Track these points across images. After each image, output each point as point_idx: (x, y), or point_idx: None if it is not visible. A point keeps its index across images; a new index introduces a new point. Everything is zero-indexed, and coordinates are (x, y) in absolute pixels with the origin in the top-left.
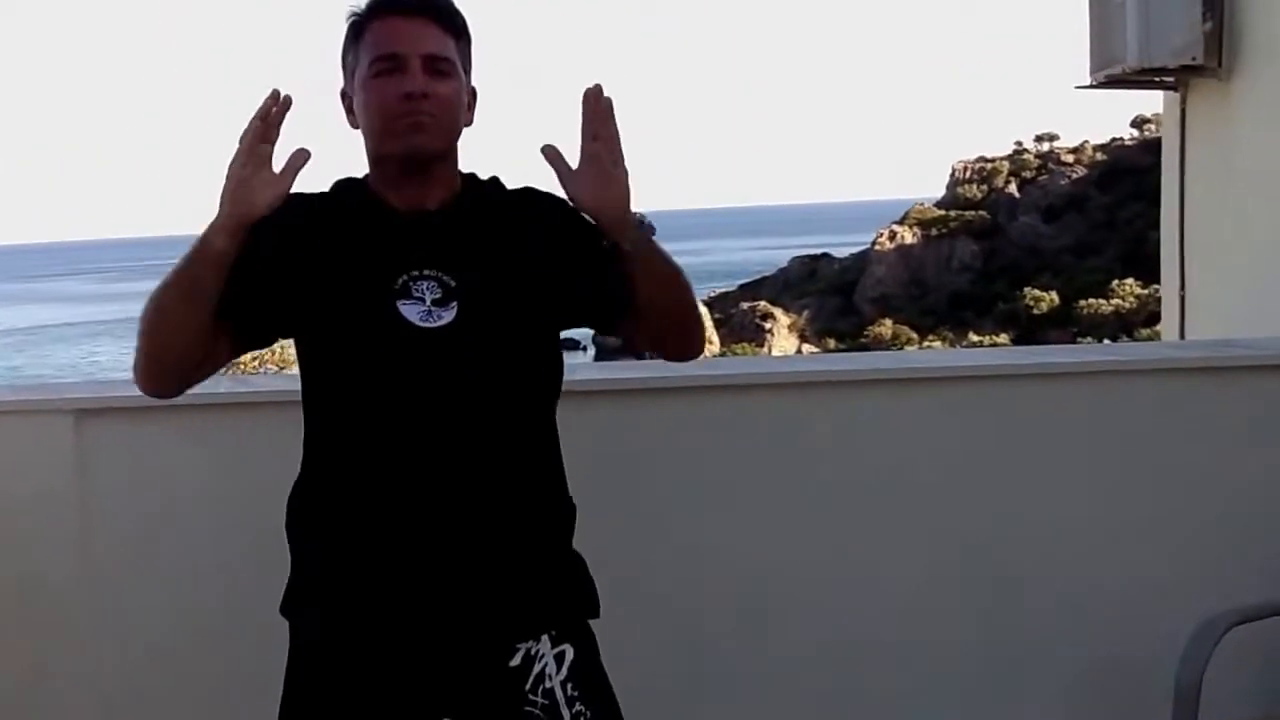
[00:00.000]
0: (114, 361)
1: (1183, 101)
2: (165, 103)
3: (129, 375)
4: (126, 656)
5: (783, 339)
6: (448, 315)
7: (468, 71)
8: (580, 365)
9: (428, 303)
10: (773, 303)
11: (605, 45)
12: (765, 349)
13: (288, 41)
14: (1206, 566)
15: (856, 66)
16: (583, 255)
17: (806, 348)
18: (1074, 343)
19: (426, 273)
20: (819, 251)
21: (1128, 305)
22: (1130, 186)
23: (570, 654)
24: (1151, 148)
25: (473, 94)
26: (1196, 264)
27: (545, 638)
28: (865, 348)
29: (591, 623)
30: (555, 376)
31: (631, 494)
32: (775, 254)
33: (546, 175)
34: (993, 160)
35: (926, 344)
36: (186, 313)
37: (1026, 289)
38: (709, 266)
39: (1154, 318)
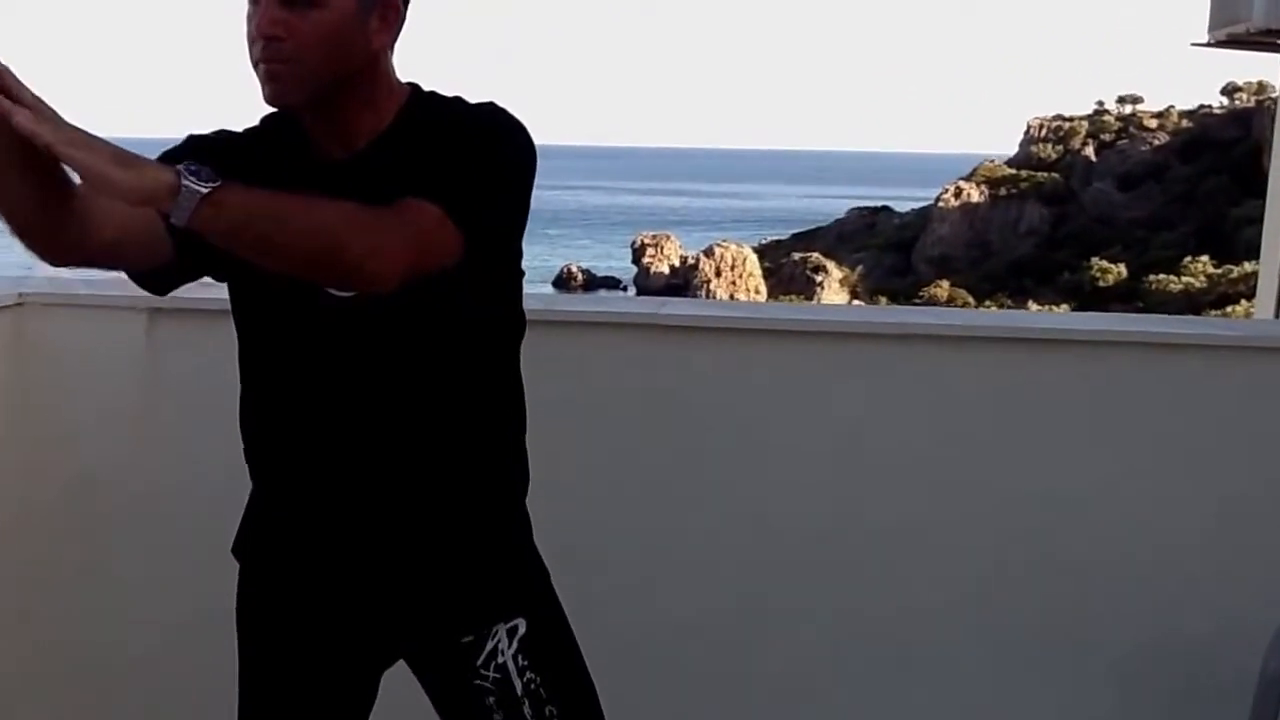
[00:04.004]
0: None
1: None
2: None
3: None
4: (185, 554)
5: (833, 293)
6: None
7: None
8: (614, 299)
9: None
10: (826, 255)
11: None
12: (814, 302)
13: None
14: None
15: (934, 10)
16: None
17: (857, 304)
18: None
19: None
20: (878, 204)
21: (1198, 284)
22: (1214, 159)
23: (523, 627)
24: (1240, 118)
25: (387, 8)
26: None
27: (499, 623)
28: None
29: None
30: (495, 329)
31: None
32: (832, 203)
33: None
34: (1071, 119)
35: (982, 309)
36: None
37: (1094, 259)
38: (761, 212)
39: (1225, 299)
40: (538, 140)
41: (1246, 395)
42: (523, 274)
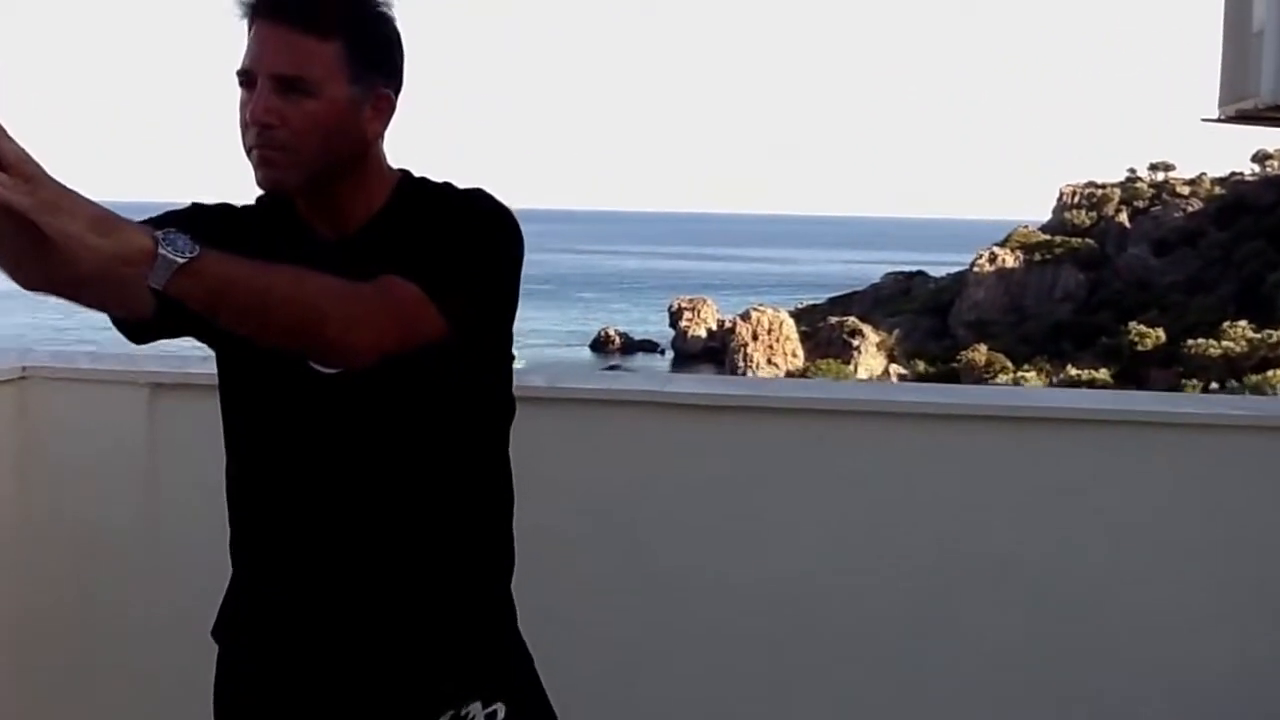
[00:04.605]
0: (55, 329)
1: None
2: (150, 72)
3: (193, 351)
4: (192, 618)
5: (870, 357)
6: None
7: (360, 77)
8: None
9: None
10: (862, 319)
11: (718, 43)
12: (851, 367)
13: None
14: None
15: (965, 78)
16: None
17: (894, 368)
18: (1179, 383)
19: None
20: (914, 269)
21: (1238, 349)
22: (1248, 224)
23: (502, 711)
24: (1274, 184)
25: (379, 99)
26: None
27: (476, 703)
28: (956, 373)
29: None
30: (482, 413)
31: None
32: (868, 268)
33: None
34: (1104, 186)
35: (1021, 373)
36: None
37: (1131, 324)
38: (797, 276)
39: (1266, 363)
40: (576, 204)
41: (1261, 474)
42: (512, 358)
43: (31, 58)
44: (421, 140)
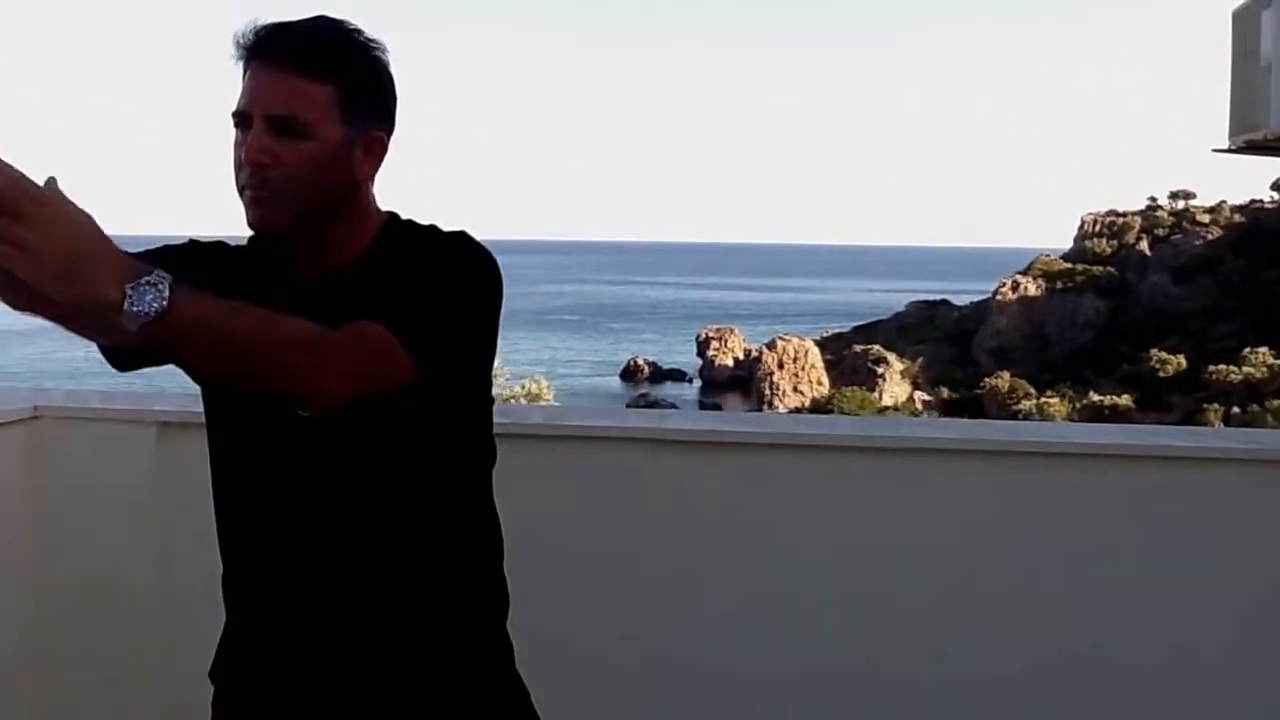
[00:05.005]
0: (69, 362)
1: None
2: (153, 101)
3: (191, 390)
4: (200, 658)
5: (894, 384)
6: None
7: (353, 119)
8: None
9: None
10: (887, 347)
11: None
12: (876, 394)
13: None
14: None
15: (986, 108)
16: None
17: (919, 395)
18: (1200, 409)
19: None
20: (937, 297)
21: (1259, 375)
22: (1268, 251)
23: None
24: None
25: (371, 142)
26: None
27: None
28: (979, 400)
29: None
30: (460, 455)
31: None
32: (891, 297)
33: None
34: (1124, 215)
35: (1044, 399)
36: None
37: (1153, 350)
38: (822, 305)
39: None
40: (608, 236)
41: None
42: (492, 401)
43: (32, 60)
44: (441, 174)
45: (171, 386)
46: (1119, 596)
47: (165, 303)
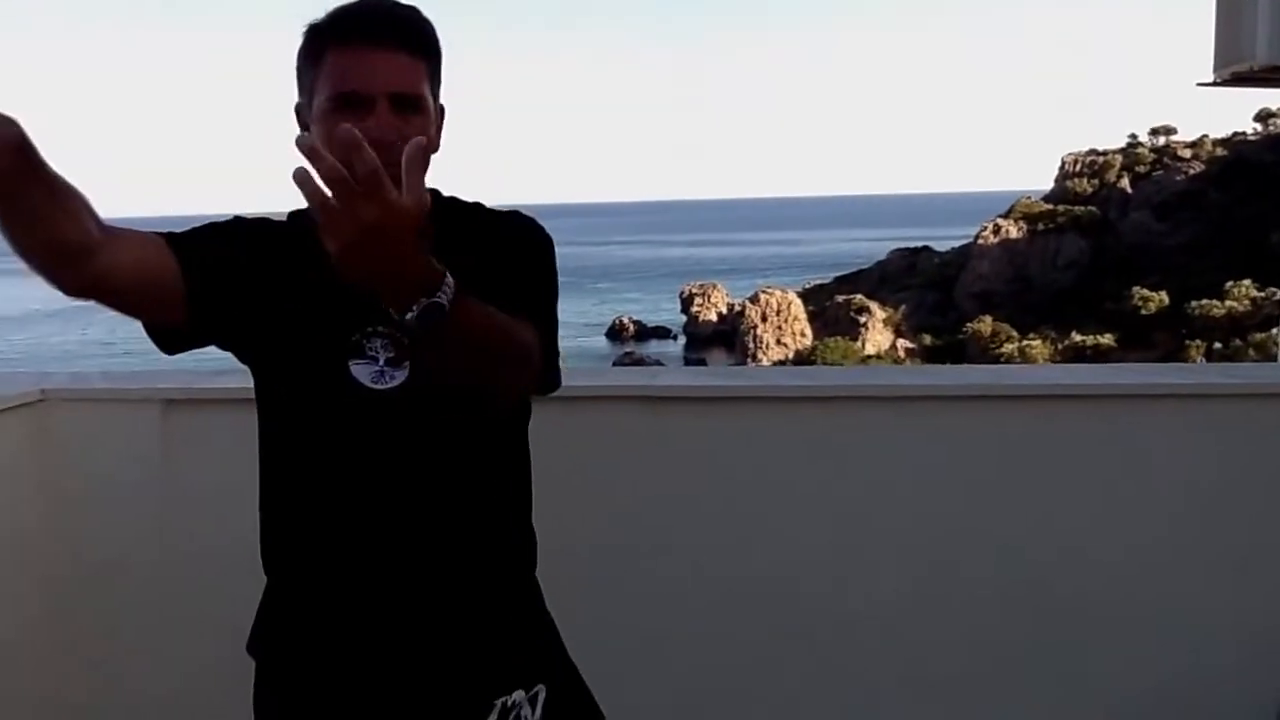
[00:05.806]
0: (65, 343)
1: None
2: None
3: (202, 366)
4: (208, 634)
5: (877, 333)
6: (400, 375)
7: (437, 91)
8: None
9: (381, 362)
10: (869, 296)
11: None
12: (859, 343)
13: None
14: None
15: (959, 52)
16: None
17: (901, 343)
18: (1183, 346)
19: (380, 329)
20: (919, 244)
21: (1241, 308)
22: (1251, 184)
23: (544, 693)
24: (1276, 144)
25: (440, 113)
26: None
27: (518, 692)
28: (962, 345)
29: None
30: (524, 417)
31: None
32: (873, 245)
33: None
34: (1105, 154)
35: (1026, 342)
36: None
37: (1135, 288)
38: (804, 257)
39: (1270, 321)
40: (592, 198)
41: (1253, 440)
42: None
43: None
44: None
45: (171, 365)
46: (1115, 536)
47: (448, 309)
